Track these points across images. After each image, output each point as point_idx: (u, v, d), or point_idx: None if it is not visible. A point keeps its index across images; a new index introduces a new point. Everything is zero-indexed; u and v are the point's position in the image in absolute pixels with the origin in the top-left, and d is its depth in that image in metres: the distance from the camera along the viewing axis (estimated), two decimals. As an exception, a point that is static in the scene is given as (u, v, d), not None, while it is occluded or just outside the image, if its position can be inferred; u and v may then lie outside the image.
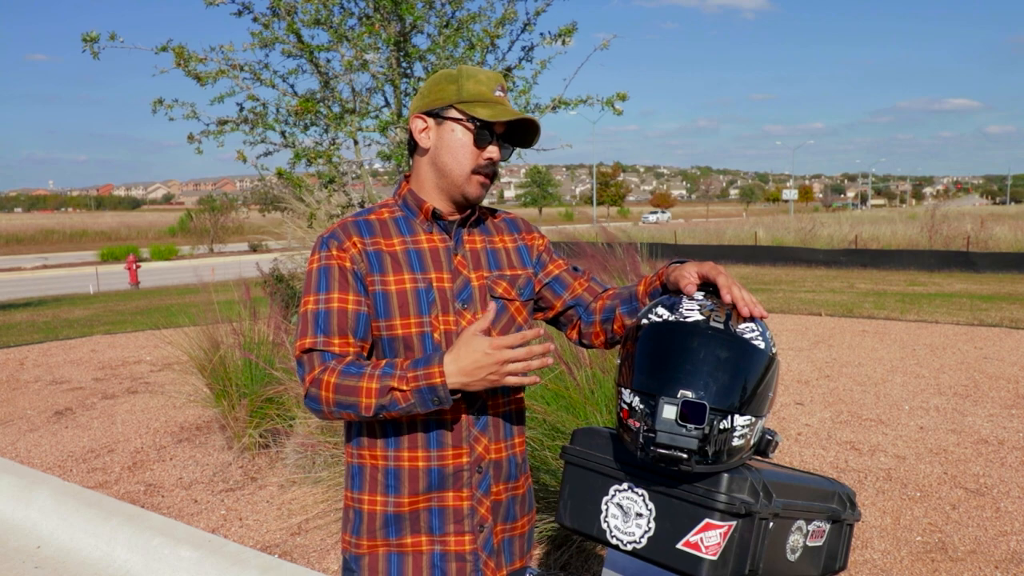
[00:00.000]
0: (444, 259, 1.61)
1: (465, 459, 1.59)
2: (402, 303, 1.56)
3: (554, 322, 1.79)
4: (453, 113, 1.59)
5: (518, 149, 1.74)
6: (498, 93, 1.60)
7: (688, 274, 1.47)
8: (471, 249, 1.65)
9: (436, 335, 1.57)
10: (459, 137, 1.58)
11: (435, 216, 1.62)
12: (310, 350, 1.53)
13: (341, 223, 1.63)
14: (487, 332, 1.49)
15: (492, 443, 1.62)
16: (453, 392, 1.45)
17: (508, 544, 1.68)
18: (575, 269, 1.79)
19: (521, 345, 1.43)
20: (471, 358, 1.42)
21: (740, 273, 18.50)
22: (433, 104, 1.61)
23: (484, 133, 1.58)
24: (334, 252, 1.57)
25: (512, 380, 1.44)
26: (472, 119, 1.57)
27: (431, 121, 1.61)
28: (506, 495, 1.66)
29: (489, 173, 1.61)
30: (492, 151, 1.60)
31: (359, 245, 1.58)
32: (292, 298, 6.89)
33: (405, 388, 1.44)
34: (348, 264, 1.57)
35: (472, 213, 1.66)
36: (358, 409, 1.47)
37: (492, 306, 1.50)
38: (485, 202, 1.73)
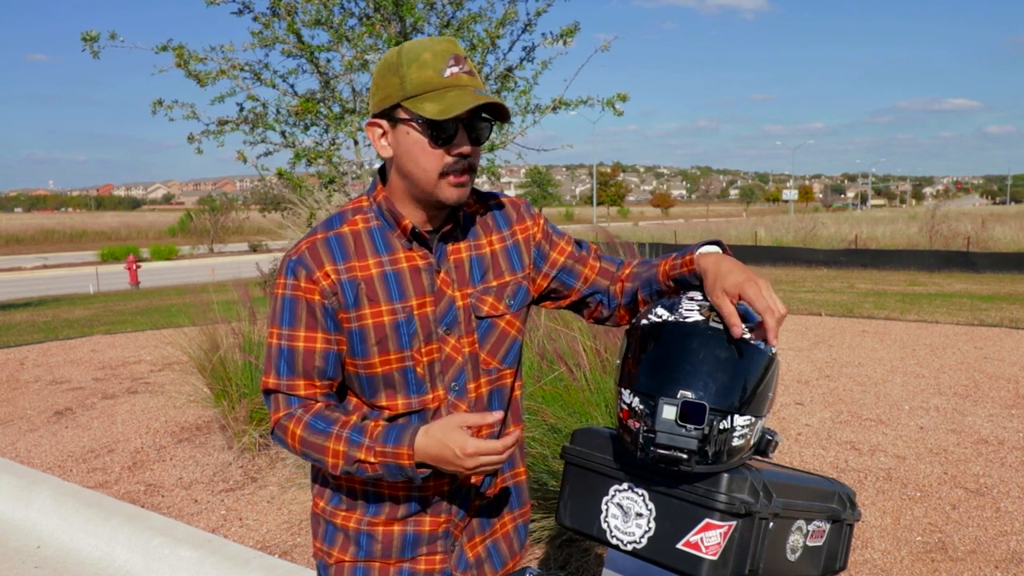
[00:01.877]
0: (426, 280, 1.44)
1: (446, 487, 1.50)
2: (380, 338, 1.40)
3: (571, 308, 1.66)
4: (402, 113, 1.35)
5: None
6: (450, 70, 1.33)
7: (724, 300, 1.30)
8: (456, 261, 1.48)
9: (419, 369, 1.43)
10: (416, 139, 1.35)
11: (415, 233, 1.43)
12: (274, 391, 1.43)
13: (310, 243, 1.42)
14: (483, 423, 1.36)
15: None
16: (424, 465, 1.35)
17: (493, 549, 1.61)
18: (579, 246, 1.62)
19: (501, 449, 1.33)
20: (441, 453, 1.31)
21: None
22: (382, 104, 1.37)
23: (441, 130, 1.34)
24: (302, 283, 1.39)
25: (477, 477, 1.40)
26: (419, 119, 1.34)
27: (387, 124, 1.39)
28: (478, 503, 1.57)
29: (462, 169, 1.37)
30: (460, 146, 1.36)
31: (332, 275, 1.39)
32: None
33: (373, 460, 1.35)
34: (318, 298, 1.39)
35: (456, 224, 1.48)
36: (325, 466, 1.40)
37: (497, 415, 1.37)
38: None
